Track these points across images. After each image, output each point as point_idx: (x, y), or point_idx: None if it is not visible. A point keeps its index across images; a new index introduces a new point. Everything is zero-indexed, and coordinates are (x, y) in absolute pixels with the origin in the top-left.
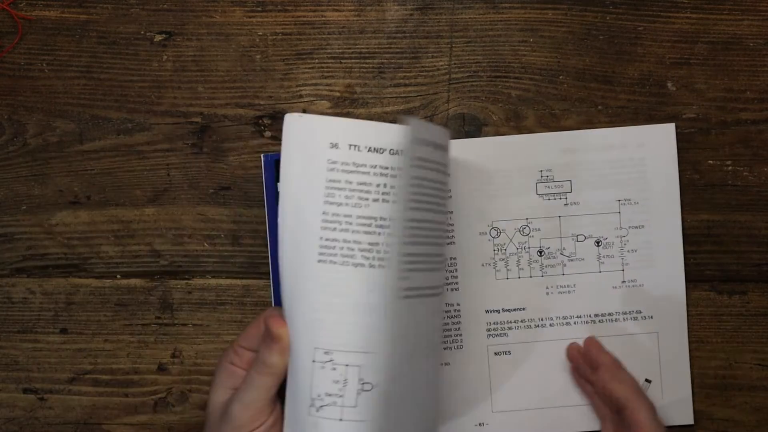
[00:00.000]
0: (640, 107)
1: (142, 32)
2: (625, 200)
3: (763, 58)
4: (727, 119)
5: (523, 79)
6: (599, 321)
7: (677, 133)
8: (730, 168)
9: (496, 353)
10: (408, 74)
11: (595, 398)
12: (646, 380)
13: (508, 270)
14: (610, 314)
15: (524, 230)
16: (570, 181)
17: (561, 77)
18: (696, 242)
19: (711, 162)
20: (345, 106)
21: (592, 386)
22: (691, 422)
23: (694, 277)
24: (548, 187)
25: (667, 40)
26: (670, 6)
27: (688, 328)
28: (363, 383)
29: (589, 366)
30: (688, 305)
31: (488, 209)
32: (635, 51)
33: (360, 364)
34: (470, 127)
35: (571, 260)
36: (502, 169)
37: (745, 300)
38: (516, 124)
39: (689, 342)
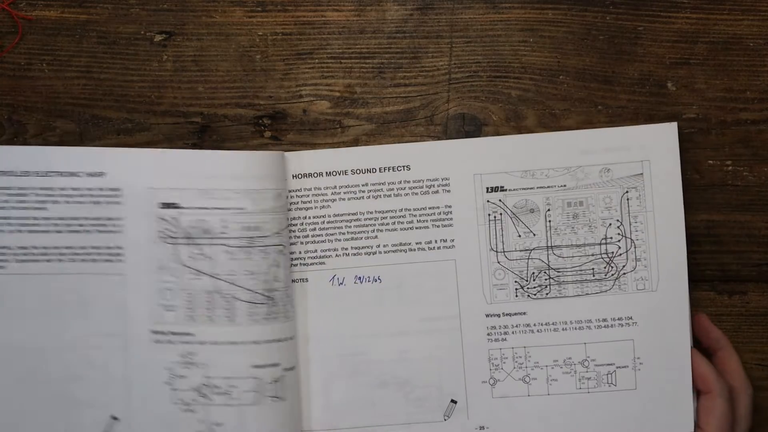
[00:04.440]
0: (640, 107)
1: (142, 32)
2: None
3: (763, 58)
4: (727, 119)
5: (523, 79)
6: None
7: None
8: (730, 168)
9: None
10: (408, 74)
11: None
12: None
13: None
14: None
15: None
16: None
17: (561, 77)
18: (696, 242)
19: (711, 162)
20: (345, 106)
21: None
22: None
23: (694, 277)
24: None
25: (667, 40)
26: (670, 6)
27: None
28: None
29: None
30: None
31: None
32: (635, 51)
33: None
34: (470, 127)
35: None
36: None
37: (745, 300)
38: (516, 124)
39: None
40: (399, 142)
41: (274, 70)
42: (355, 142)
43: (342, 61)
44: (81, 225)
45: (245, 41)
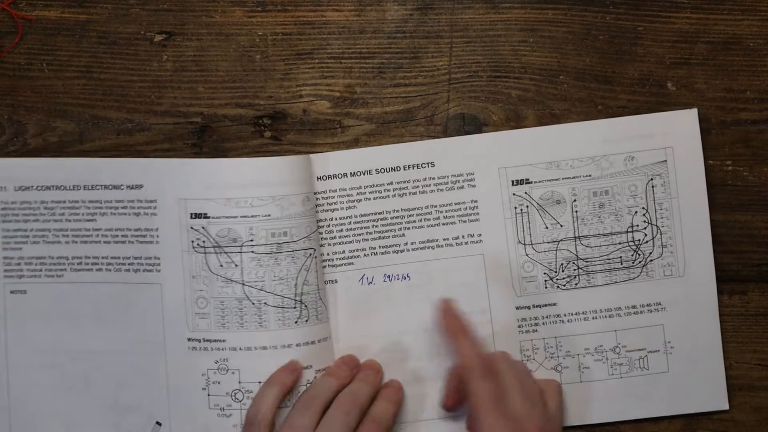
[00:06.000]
0: (640, 107)
1: (142, 32)
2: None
3: (763, 58)
4: (727, 119)
5: (523, 79)
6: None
7: None
8: (730, 168)
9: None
10: (408, 74)
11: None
12: None
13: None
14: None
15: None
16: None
17: (561, 77)
18: None
19: (711, 162)
20: (345, 106)
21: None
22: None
23: None
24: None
25: (667, 40)
26: (670, 6)
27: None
28: None
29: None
30: None
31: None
32: (635, 51)
33: None
34: (470, 127)
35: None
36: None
37: (745, 300)
38: (516, 125)
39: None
40: (399, 143)
41: (274, 70)
42: (355, 142)
43: (342, 61)
44: (125, 236)
45: (245, 41)
